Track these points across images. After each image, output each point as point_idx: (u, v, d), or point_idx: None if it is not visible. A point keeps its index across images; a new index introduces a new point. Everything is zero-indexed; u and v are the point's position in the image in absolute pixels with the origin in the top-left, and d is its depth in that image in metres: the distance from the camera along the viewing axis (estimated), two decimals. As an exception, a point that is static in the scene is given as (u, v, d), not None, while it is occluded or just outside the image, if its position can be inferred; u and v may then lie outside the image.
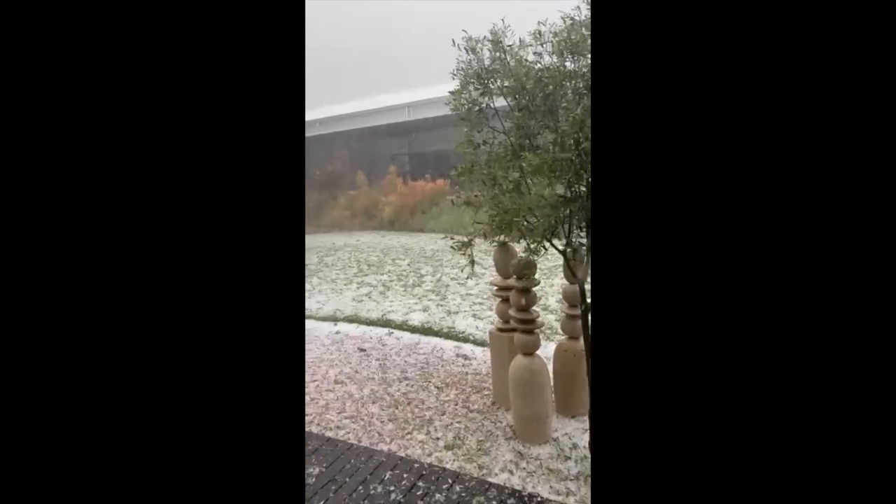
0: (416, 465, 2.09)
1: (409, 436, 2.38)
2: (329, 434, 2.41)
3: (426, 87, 15.75)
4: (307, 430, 2.45)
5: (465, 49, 1.85)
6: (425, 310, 4.65)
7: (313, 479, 2.00)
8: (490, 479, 2.00)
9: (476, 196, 2.05)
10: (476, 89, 1.90)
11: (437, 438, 2.35)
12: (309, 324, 4.49)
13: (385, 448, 2.26)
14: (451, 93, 1.94)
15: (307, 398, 2.87)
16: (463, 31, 1.86)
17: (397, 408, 2.69)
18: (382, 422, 2.53)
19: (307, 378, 3.18)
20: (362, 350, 3.68)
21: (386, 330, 4.14)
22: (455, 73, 1.90)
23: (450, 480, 1.98)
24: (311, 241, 9.46)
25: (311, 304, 5.16)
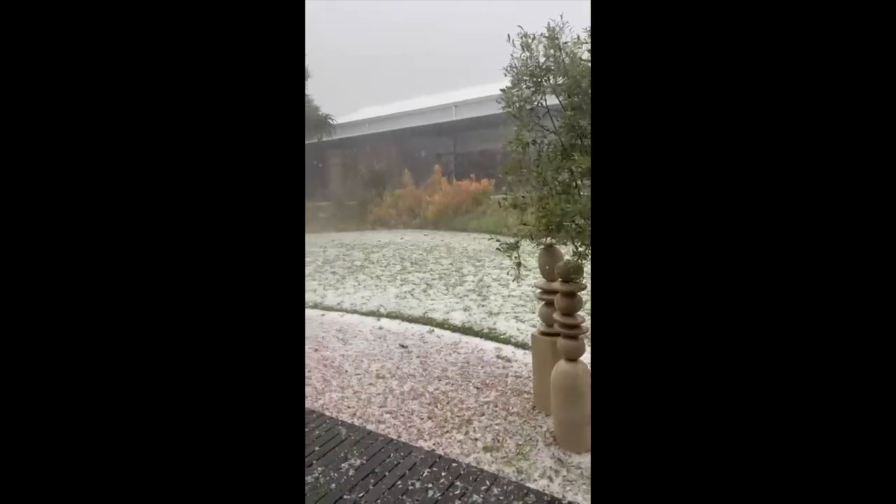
0: (454, 465, 2.09)
1: (447, 435, 2.38)
2: (370, 427, 2.45)
3: (474, 86, 15.74)
4: (350, 421, 2.51)
5: (521, 46, 1.82)
6: (466, 309, 4.64)
7: (354, 471, 2.05)
8: (529, 485, 1.96)
9: (523, 198, 2.02)
10: (528, 87, 1.87)
11: (476, 439, 2.33)
12: (353, 318, 4.60)
13: (424, 445, 2.27)
14: (503, 90, 1.92)
15: (350, 391, 2.94)
16: (518, 27, 1.83)
17: (437, 406, 2.70)
18: (422, 419, 2.55)
19: (351, 370, 3.26)
20: (404, 346, 3.73)
21: (427, 328, 4.17)
22: (508, 70, 1.88)
23: (488, 482, 1.96)
24: (357, 237, 9.71)
25: (355, 299, 5.29)
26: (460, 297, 5.08)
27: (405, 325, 4.30)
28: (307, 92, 21.97)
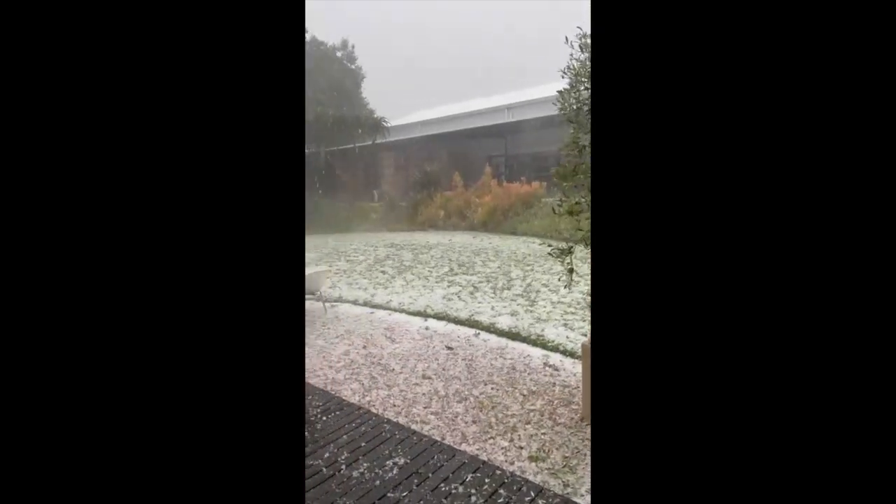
0: (497, 472, 2.06)
1: (491, 440, 2.35)
2: (414, 427, 2.47)
3: (527, 88, 15.54)
4: (395, 419, 2.55)
5: (579, 47, 1.77)
6: (514, 314, 4.58)
7: (398, 469, 2.07)
8: (575, 500, 1.89)
9: (577, 203, 1.96)
10: (586, 89, 1.81)
11: (521, 447, 2.29)
12: (401, 317, 4.67)
13: (468, 449, 2.26)
14: (560, 92, 1.87)
15: (397, 389, 2.98)
16: (577, 27, 1.78)
17: (481, 410, 2.68)
18: (466, 422, 2.54)
19: (397, 369, 3.31)
20: (450, 348, 3.73)
21: (473, 331, 4.15)
22: (565, 71, 1.83)
23: (532, 493, 1.91)
24: (407, 238, 9.87)
25: (403, 299, 5.37)
26: (508, 302, 5.02)
27: (451, 326, 4.31)
28: (362, 95, 22.69)
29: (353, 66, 22.45)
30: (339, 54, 21.95)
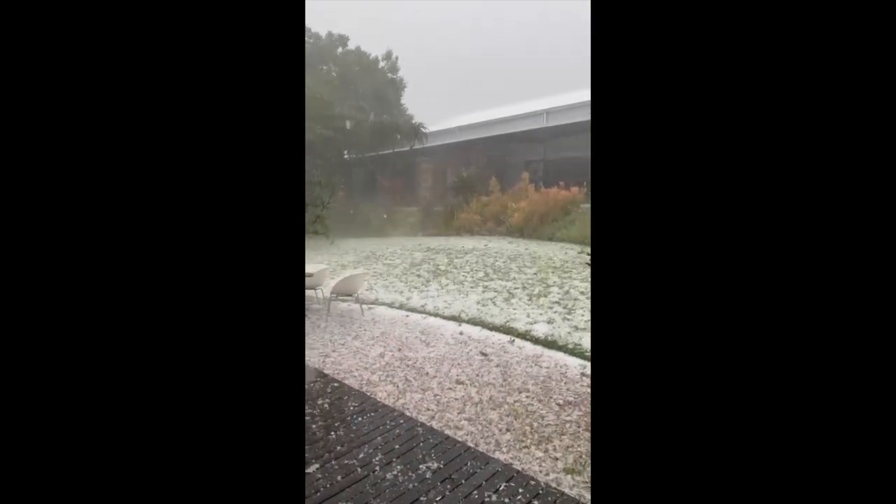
0: (532, 483, 2.02)
1: (526, 450, 2.31)
2: (448, 432, 2.47)
3: (566, 92, 15.30)
4: (429, 424, 2.56)
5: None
6: (550, 322, 4.49)
7: (431, 474, 2.07)
8: (613, 517, 1.82)
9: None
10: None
11: (556, 458, 2.24)
12: (435, 321, 4.69)
13: (501, 457, 2.23)
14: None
15: (430, 394, 2.99)
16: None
17: (516, 418, 2.64)
18: (500, 430, 2.51)
19: (431, 373, 3.32)
20: (484, 354, 3.71)
21: (508, 337, 4.11)
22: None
23: (567, 507, 1.86)
24: (442, 242, 9.91)
25: (438, 303, 5.39)
26: (544, 309, 4.94)
27: (486, 332, 4.28)
28: (402, 102, 23.07)
29: (394, 76, 22.91)
30: (381, 65, 22.47)
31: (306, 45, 20.37)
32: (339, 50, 21.65)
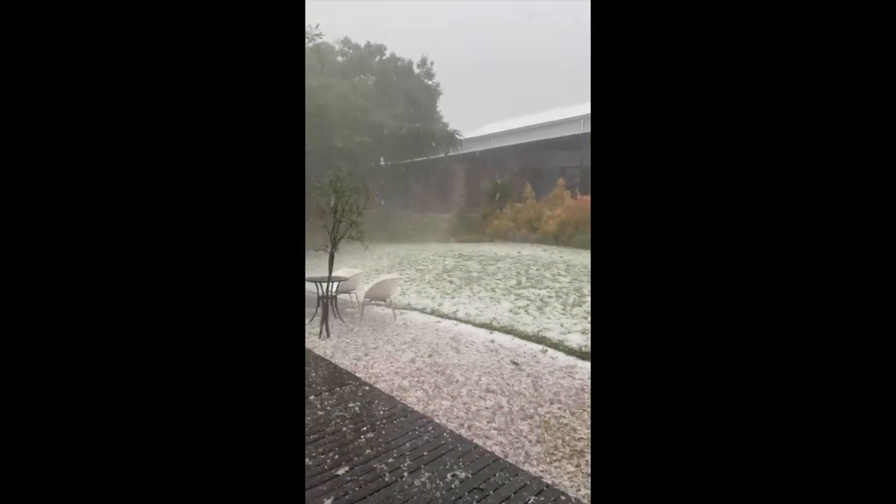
0: (562, 498, 1.96)
1: (557, 463, 2.25)
2: (477, 441, 2.44)
3: (605, 97, 14.98)
4: (458, 431, 2.53)
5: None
6: (584, 332, 4.37)
7: (459, 483, 2.05)
8: (648, 539, 1.74)
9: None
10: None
11: (589, 474, 2.16)
12: (466, 328, 4.67)
13: (531, 470, 2.18)
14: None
15: (460, 401, 2.97)
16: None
17: (547, 431, 2.58)
18: (531, 441, 2.45)
19: (461, 380, 3.30)
20: (515, 364, 3.65)
21: (540, 347, 4.03)
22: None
23: (600, 526, 1.79)
24: (474, 248, 9.88)
25: (469, 310, 5.36)
26: (578, 319, 4.82)
27: (518, 341, 4.22)
28: (437, 109, 23.32)
29: (430, 83, 23.21)
30: (417, 71, 22.82)
31: (346, 56, 20.96)
32: (377, 58, 22.14)
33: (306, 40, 16.51)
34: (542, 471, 2.18)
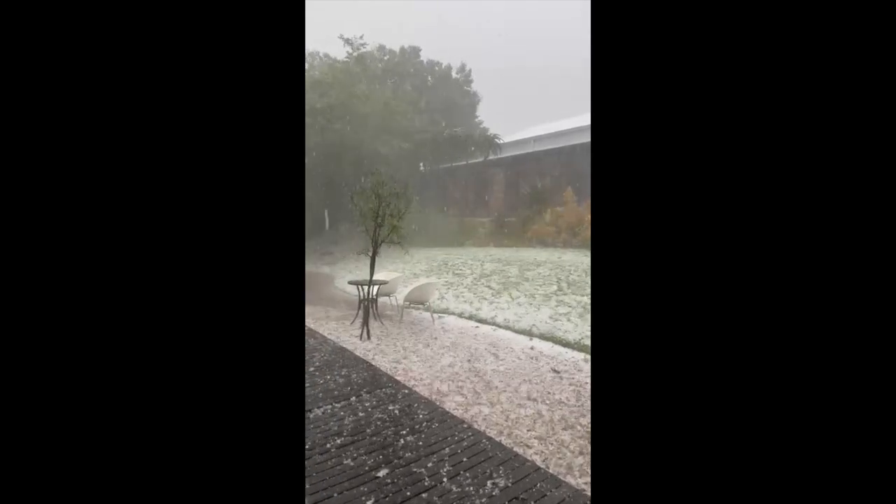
0: (607, 513, 1.88)
1: (601, 477, 2.17)
2: (517, 449, 2.40)
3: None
4: (497, 439, 2.50)
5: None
6: (629, 341, 4.22)
7: (499, 491, 2.02)
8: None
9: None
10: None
11: (635, 491, 2.07)
12: (505, 334, 4.61)
13: (573, 482, 2.12)
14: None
15: (499, 408, 2.93)
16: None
17: (590, 442, 2.49)
18: (573, 452, 2.38)
19: (501, 387, 3.26)
20: (556, 372, 3.57)
21: (582, 355, 3.92)
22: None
23: (647, 545, 1.71)
24: (513, 253, 9.78)
25: (508, 315, 5.30)
26: (622, 327, 4.65)
27: (558, 348, 4.13)
28: (477, 116, 23.37)
29: (469, 89, 23.31)
30: (456, 76, 22.98)
31: (382, 62, 21.39)
32: (414, 62, 22.46)
33: (351, 50, 16.99)
34: (585, 483, 2.11)
